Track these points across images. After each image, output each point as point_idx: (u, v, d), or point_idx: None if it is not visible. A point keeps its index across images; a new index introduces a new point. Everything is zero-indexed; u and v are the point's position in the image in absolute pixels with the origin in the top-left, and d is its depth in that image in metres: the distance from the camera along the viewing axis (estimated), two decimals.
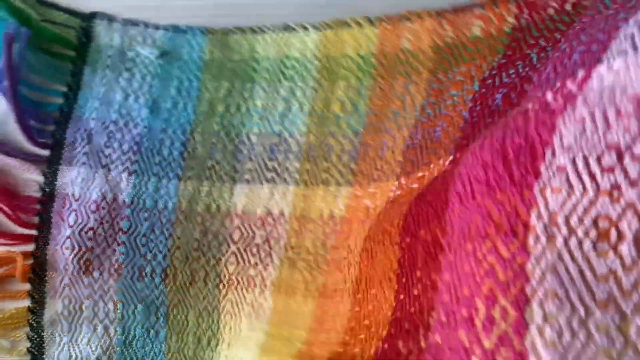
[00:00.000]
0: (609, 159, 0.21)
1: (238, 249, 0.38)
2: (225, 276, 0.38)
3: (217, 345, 0.38)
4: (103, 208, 0.38)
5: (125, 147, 0.39)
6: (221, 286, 0.38)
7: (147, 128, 0.39)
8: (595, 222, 0.21)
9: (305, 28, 0.39)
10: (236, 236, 0.38)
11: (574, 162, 0.22)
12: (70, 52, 0.40)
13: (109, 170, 0.39)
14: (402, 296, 0.28)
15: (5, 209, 0.37)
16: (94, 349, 0.37)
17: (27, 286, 0.37)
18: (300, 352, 0.33)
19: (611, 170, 0.21)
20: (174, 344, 0.38)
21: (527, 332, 0.21)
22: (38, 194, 0.38)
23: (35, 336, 0.37)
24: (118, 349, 0.38)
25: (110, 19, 0.40)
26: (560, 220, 0.21)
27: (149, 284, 0.38)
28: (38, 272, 0.38)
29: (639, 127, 0.21)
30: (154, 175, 0.39)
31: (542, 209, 0.22)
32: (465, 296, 0.24)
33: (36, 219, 0.38)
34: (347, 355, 0.30)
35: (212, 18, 0.40)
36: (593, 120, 0.22)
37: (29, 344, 0.37)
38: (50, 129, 0.39)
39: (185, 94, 0.39)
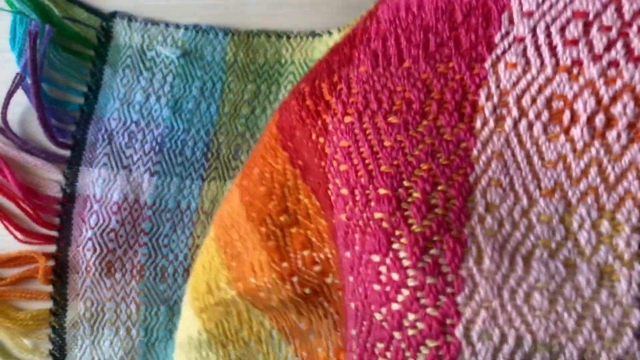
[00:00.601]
0: (574, 30, 0.19)
1: None
2: None
3: None
4: (125, 209, 0.38)
5: (147, 147, 0.38)
6: None
7: (169, 128, 0.38)
8: (548, 102, 0.19)
9: (329, 33, 0.39)
10: None
11: (534, 32, 0.20)
12: (90, 51, 0.39)
13: (131, 171, 0.38)
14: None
15: (27, 208, 0.37)
16: (116, 351, 0.37)
17: (48, 287, 0.37)
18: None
19: (575, 43, 0.19)
20: None
21: (468, 221, 0.19)
22: (59, 195, 0.38)
23: (57, 338, 0.37)
24: (140, 350, 0.37)
25: (130, 18, 0.40)
26: (511, 100, 0.20)
27: (171, 284, 0.38)
28: (59, 273, 0.37)
29: None
30: (176, 175, 0.38)
31: (493, 87, 0.20)
32: (387, 174, 0.21)
33: (57, 220, 0.38)
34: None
35: (212, 17, 0.40)
36: None
37: (51, 346, 0.37)
38: (71, 129, 0.39)
39: (209, 95, 0.39)
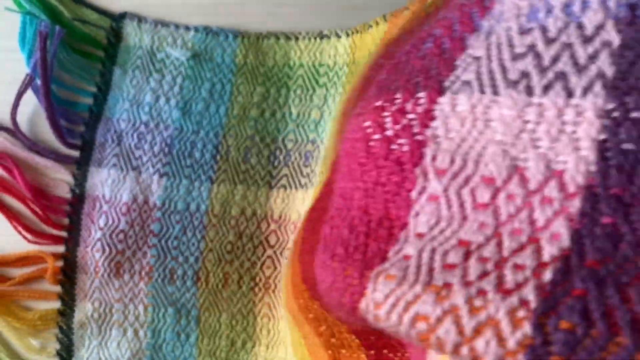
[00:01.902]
0: (454, 256, 0.19)
1: (274, 252, 0.38)
2: (261, 280, 0.38)
3: (252, 347, 0.38)
4: (134, 210, 0.38)
5: (156, 149, 0.38)
6: (257, 289, 0.38)
7: (178, 130, 0.38)
8: (413, 323, 0.18)
9: (337, 35, 0.39)
10: (272, 240, 0.38)
11: (419, 254, 0.19)
12: (99, 52, 0.39)
13: (140, 172, 0.38)
14: None
15: (36, 208, 0.37)
16: (123, 352, 0.37)
17: (57, 287, 0.37)
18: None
19: (452, 267, 0.19)
20: (206, 347, 0.38)
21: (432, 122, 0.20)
22: (68, 195, 0.38)
23: (65, 338, 0.37)
24: (148, 352, 0.37)
25: (140, 19, 0.40)
26: (382, 314, 0.19)
27: (180, 286, 0.38)
28: (68, 274, 0.37)
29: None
30: (185, 177, 0.38)
31: (370, 301, 0.20)
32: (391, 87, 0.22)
33: (66, 220, 0.38)
34: None
35: (214, 16, 0.40)
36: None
37: (58, 346, 0.37)
38: (80, 130, 0.39)
39: (218, 97, 0.39)
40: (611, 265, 0.16)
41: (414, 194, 0.20)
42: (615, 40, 0.19)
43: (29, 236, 0.37)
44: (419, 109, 0.21)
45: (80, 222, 0.38)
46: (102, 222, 0.37)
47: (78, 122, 0.39)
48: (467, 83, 0.21)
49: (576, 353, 0.15)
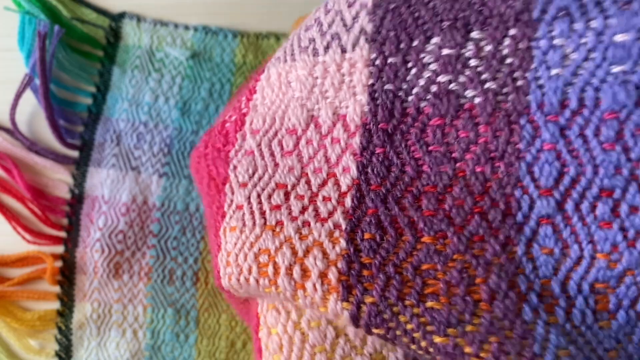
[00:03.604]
0: (277, 198, 0.22)
1: None
2: None
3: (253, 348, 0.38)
4: (133, 211, 0.38)
5: (156, 149, 0.38)
6: None
7: (177, 130, 0.38)
8: (256, 257, 0.22)
9: None
10: None
11: (248, 200, 0.23)
12: (98, 51, 0.39)
13: (139, 172, 0.38)
14: None
15: (35, 209, 0.37)
16: (122, 353, 0.37)
17: (55, 288, 0.37)
18: None
19: (278, 207, 0.22)
20: (205, 348, 0.37)
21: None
22: (67, 196, 0.38)
23: (64, 339, 0.37)
24: (147, 353, 0.37)
25: (139, 18, 0.39)
26: (231, 260, 0.23)
27: (179, 287, 0.38)
28: (67, 274, 0.37)
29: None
30: (185, 177, 0.38)
31: (223, 250, 0.23)
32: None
33: (65, 221, 0.38)
34: None
35: (213, 16, 0.40)
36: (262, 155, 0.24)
37: (57, 347, 0.37)
38: (79, 130, 0.39)
39: (217, 97, 0.39)
40: (388, 185, 0.21)
41: (232, 152, 0.24)
42: (369, 1, 0.23)
43: (28, 236, 0.37)
44: (248, 88, 0.26)
45: (79, 222, 0.38)
46: (101, 223, 0.37)
47: (77, 122, 0.39)
48: (277, 58, 0.25)
49: (379, 253, 0.20)
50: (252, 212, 0.22)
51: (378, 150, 0.21)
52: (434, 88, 0.21)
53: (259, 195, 0.23)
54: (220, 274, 0.23)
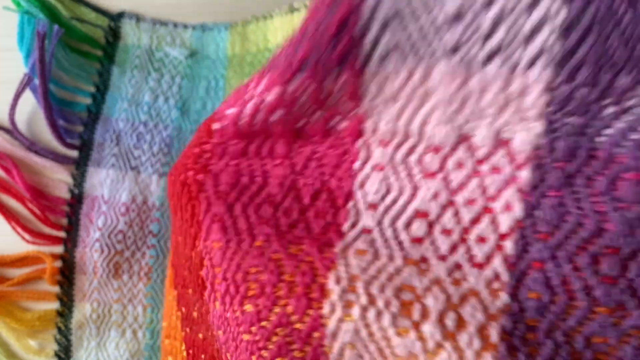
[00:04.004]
0: (418, 229, 0.20)
1: None
2: None
3: None
4: (133, 210, 0.37)
5: (155, 148, 0.38)
6: None
7: (177, 130, 0.38)
8: (397, 292, 0.19)
9: (306, 5, 0.38)
10: None
11: (380, 225, 0.20)
12: (98, 51, 0.39)
13: (139, 172, 0.38)
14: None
15: (35, 209, 0.37)
16: (121, 353, 0.37)
17: (55, 288, 0.37)
18: None
19: (420, 241, 0.19)
20: None
21: None
22: (67, 196, 0.38)
23: (63, 339, 0.37)
24: (146, 353, 0.37)
25: (139, 18, 0.39)
26: (360, 286, 0.19)
27: None
28: (66, 274, 0.37)
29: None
30: None
31: (342, 271, 0.20)
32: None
33: (65, 221, 0.38)
34: None
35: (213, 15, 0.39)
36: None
37: (56, 347, 0.37)
38: (78, 130, 0.38)
39: (213, 94, 0.39)
40: (559, 236, 0.18)
41: (357, 164, 0.21)
42: (561, 13, 0.19)
43: (27, 236, 0.37)
44: (348, 86, 0.22)
45: (78, 222, 0.38)
46: (100, 223, 0.37)
47: (76, 122, 0.39)
48: (401, 50, 0.21)
49: (545, 316, 0.17)
50: (386, 240, 0.20)
51: (551, 193, 0.18)
52: (634, 136, 0.17)
53: (394, 222, 0.20)
54: (331, 294, 0.20)
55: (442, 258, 0.19)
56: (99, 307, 0.37)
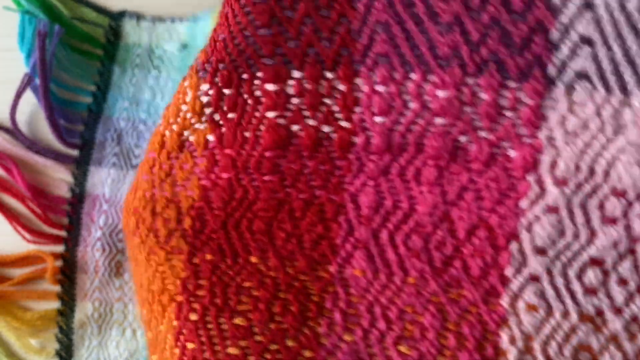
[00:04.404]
0: (592, 278, 0.18)
1: None
2: None
3: None
4: None
5: None
6: None
7: None
8: (576, 354, 0.18)
9: None
10: None
11: (549, 272, 0.19)
12: (99, 50, 0.39)
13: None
14: None
15: (36, 208, 0.37)
16: (121, 352, 0.37)
17: (56, 287, 0.37)
18: None
19: (594, 292, 0.18)
20: None
21: None
22: (68, 195, 0.38)
23: (65, 338, 0.37)
24: (145, 352, 0.37)
25: (139, 17, 0.39)
26: (537, 347, 0.18)
27: None
28: (68, 273, 0.37)
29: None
30: None
31: (516, 330, 0.19)
32: None
33: (66, 220, 0.38)
34: None
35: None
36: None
37: (58, 346, 0.37)
38: (79, 129, 0.38)
39: None
40: None
41: (524, 203, 0.19)
42: None
43: (28, 236, 0.37)
44: (526, 105, 0.19)
45: (80, 221, 0.38)
46: (102, 222, 0.37)
47: (77, 122, 0.39)
48: (583, 75, 0.18)
49: None
50: (557, 291, 0.18)
51: None
52: None
53: (564, 269, 0.18)
54: (507, 355, 0.19)
55: (618, 312, 0.18)
56: (100, 306, 0.37)
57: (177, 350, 0.22)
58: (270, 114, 0.21)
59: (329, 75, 0.21)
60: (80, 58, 0.39)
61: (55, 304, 0.37)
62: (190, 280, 0.21)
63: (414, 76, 0.20)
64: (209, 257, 0.22)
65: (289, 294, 0.21)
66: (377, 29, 0.20)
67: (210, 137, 0.22)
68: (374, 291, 0.20)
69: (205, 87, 0.22)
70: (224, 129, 0.22)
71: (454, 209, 0.20)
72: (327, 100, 0.21)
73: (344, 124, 0.21)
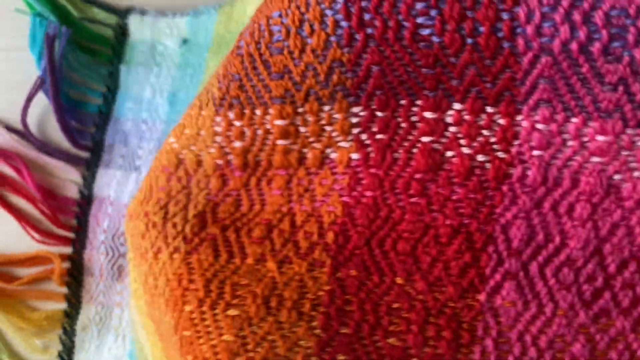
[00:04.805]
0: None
1: None
2: None
3: None
4: None
5: (152, 146, 0.36)
6: None
7: (166, 124, 0.36)
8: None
9: None
10: None
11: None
12: (108, 50, 0.38)
13: (140, 172, 0.37)
14: None
15: (45, 209, 0.37)
16: (111, 357, 0.36)
17: (63, 289, 0.37)
18: None
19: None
20: None
21: None
22: (77, 196, 0.38)
23: (68, 340, 0.37)
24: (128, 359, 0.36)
25: (143, 12, 0.38)
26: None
27: None
28: (75, 275, 0.37)
29: None
30: None
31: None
32: None
33: (74, 222, 0.38)
34: None
35: None
36: None
37: (60, 348, 0.37)
38: (90, 131, 0.38)
39: (196, 81, 0.36)
40: None
41: None
42: None
43: (37, 236, 0.37)
44: None
45: (87, 223, 0.37)
46: (106, 225, 0.36)
47: (88, 123, 0.38)
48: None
49: None
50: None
51: None
52: None
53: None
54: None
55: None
56: (102, 310, 0.36)
57: None
58: (426, 139, 0.22)
59: (489, 109, 0.22)
60: (91, 59, 0.39)
61: (60, 305, 0.37)
62: (336, 294, 0.22)
63: (574, 120, 0.21)
64: (353, 272, 0.22)
65: (440, 319, 0.22)
66: (540, 80, 0.21)
67: (354, 156, 0.23)
68: (524, 321, 0.21)
69: (356, 109, 0.23)
70: (370, 149, 0.23)
71: (606, 245, 0.21)
72: (485, 132, 0.22)
73: (501, 154, 0.22)
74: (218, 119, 0.25)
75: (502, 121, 0.22)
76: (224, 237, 0.24)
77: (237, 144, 0.25)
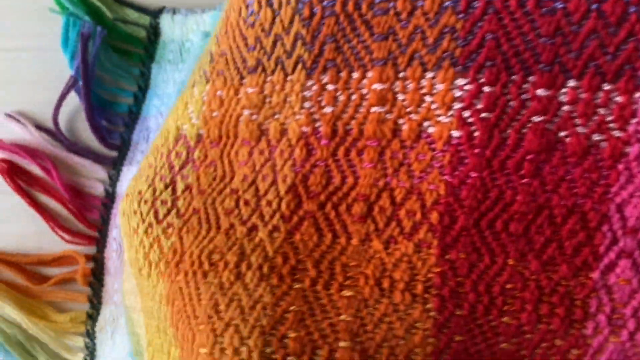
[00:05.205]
0: None
1: None
2: None
3: None
4: None
5: None
6: None
7: None
8: None
9: None
10: None
11: None
12: (141, 50, 0.38)
13: None
14: None
15: (72, 208, 0.37)
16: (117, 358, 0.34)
17: (85, 289, 0.36)
18: None
19: None
20: None
21: None
22: (102, 195, 0.37)
23: (90, 342, 0.36)
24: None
25: (175, 11, 0.38)
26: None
27: None
28: (98, 276, 0.36)
29: None
30: None
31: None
32: None
33: (99, 220, 0.37)
34: None
35: None
36: None
37: (85, 351, 0.36)
38: (119, 130, 0.38)
39: None
40: None
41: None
42: None
43: (66, 236, 0.37)
44: None
45: (109, 222, 0.37)
46: (118, 220, 0.36)
47: (117, 123, 0.38)
48: None
49: None
50: None
51: None
52: None
53: None
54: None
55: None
56: (115, 310, 0.35)
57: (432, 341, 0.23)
58: (537, 118, 0.22)
59: (607, 87, 0.21)
60: (123, 59, 0.38)
61: (80, 306, 0.36)
62: (447, 276, 0.22)
63: None
64: (462, 255, 0.22)
65: (554, 297, 0.22)
66: None
67: (455, 133, 0.22)
68: (639, 297, 0.21)
69: (462, 81, 0.22)
70: (474, 127, 0.22)
71: None
72: (601, 110, 0.21)
73: (617, 133, 0.21)
74: (309, 82, 0.24)
75: (619, 99, 0.21)
76: (324, 214, 0.23)
77: (328, 110, 0.24)
